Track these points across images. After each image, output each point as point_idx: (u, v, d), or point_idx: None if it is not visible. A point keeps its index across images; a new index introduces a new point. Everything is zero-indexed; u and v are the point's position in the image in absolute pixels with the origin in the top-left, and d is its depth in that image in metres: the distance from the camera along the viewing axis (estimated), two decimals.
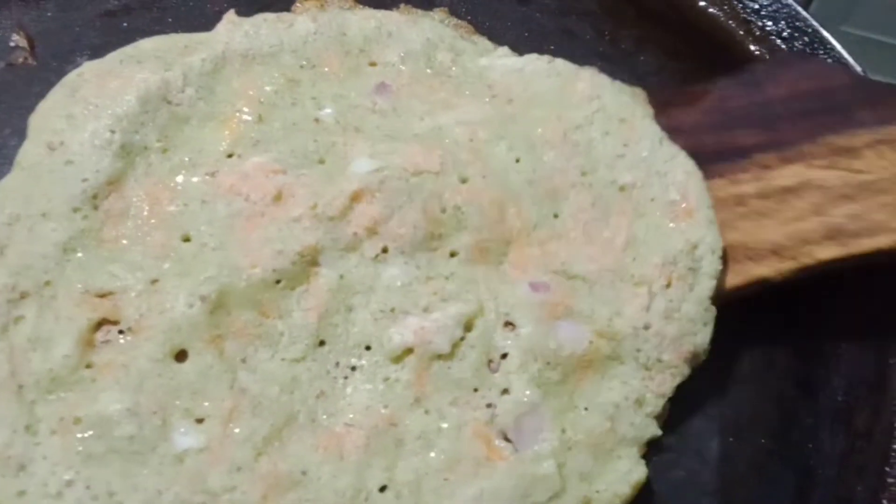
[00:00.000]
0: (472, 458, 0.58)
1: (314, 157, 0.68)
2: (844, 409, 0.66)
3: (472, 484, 0.57)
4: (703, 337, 0.63)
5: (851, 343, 0.68)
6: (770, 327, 0.69)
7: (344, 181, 0.65)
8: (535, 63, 0.74)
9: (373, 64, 0.74)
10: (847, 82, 0.69)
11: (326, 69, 0.73)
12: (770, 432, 0.65)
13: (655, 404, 0.61)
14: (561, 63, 0.73)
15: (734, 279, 0.65)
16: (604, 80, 0.72)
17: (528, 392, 0.59)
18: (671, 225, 0.65)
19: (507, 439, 0.58)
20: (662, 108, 0.71)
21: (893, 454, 0.63)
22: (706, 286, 0.64)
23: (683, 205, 0.66)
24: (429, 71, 0.74)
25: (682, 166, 0.67)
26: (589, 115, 0.70)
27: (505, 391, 0.60)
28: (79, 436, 0.56)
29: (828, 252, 0.63)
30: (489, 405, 0.59)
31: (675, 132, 0.69)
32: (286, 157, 0.67)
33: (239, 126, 0.69)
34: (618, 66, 0.78)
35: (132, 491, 0.54)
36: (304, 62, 0.73)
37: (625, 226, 0.66)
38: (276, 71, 0.72)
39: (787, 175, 0.66)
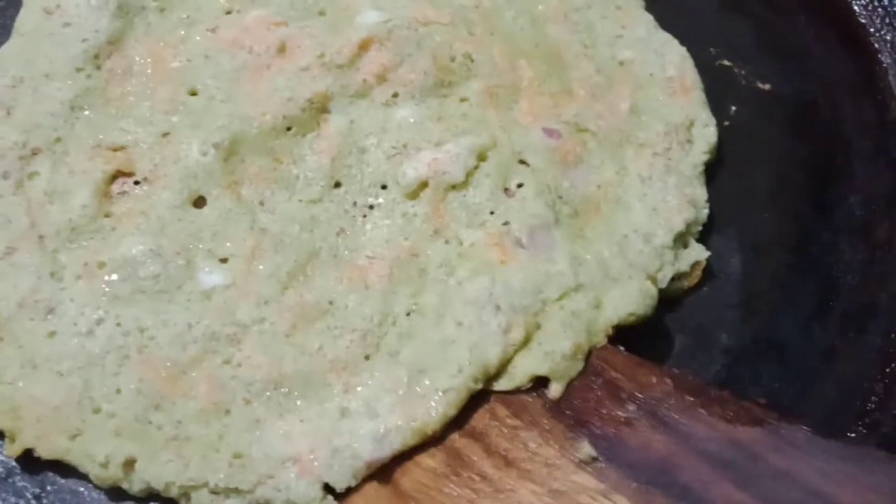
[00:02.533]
0: (486, 262, 0.58)
1: (314, 9, 0.67)
2: (862, 223, 0.66)
3: (485, 275, 0.57)
4: (700, 191, 0.64)
5: (865, 161, 0.67)
6: (784, 149, 0.68)
7: (351, 31, 0.65)
8: None
9: None
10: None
11: None
12: (790, 248, 0.65)
13: (664, 238, 0.61)
14: None
15: None
16: None
17: (543, 210, 0.59)
18: (670, 99, 0.67)
19: (521, 246, 0.59)
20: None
21: None
22: (700, 153, 0.66)
23: (680, 83, 0.68)
24: None
25: (677, 49, 0.70)
26: (588, 0, 0.71)
27: (522, 210, 0.60)
28: (105, 278, 0.56)
29: None
30: (505, 223, 0.59)
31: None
32: (286, 9, 0.67)
33: None
34: None
35: (162, 326, 0.55)
36: None
37: (627, 94, 0.67)
38: None
39: None
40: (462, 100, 0.64)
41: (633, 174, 0.64)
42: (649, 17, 0.71)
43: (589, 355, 0.57)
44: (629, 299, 0.58)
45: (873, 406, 0.59)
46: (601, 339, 0.57)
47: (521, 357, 0.56)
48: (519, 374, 0.55)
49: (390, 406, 0.53)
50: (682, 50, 0.69)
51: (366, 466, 0.52)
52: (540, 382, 0.56)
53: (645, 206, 0.63)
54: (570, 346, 0.55)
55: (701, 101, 0.68)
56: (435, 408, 0.53)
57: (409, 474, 0.53)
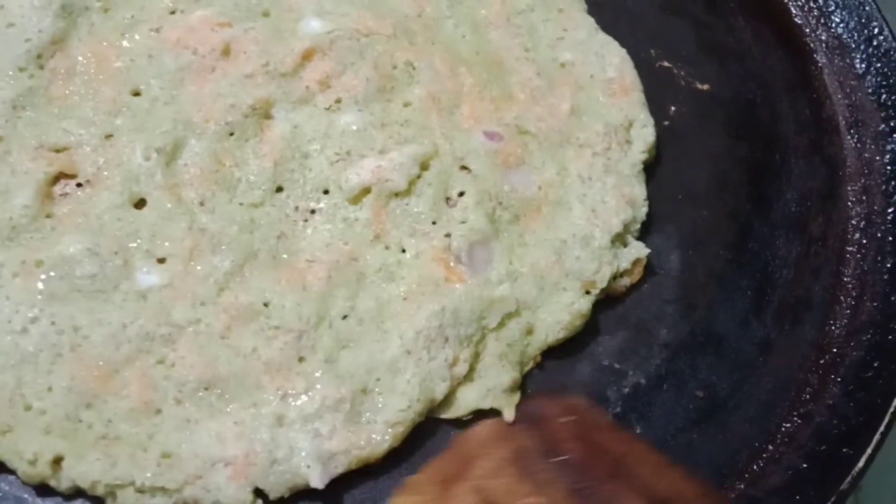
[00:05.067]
0: (431, 279, 0.59)
1: (258, 10, 0.68)
2: (798, 219, 0.67)
3: (433, 301, 0.58)
4: (639, 190, 0.65)
5: (801, 158, 0.69)
6: (722, 148, 0.69)
7: (295, 40, 0.66)
8: None
9: None
10: None
11: None
12: (727, 244, 0.65)
13: (602, 239, 0.62)
14: None
15: None
16: None
17: (482, 223, 0.61)
18: (610, 100, 0.69)
19: (461, 262, 0.60)
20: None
21: (848, 255, 0.65)
22: (638, 152, 0.67)
23: (620, 84, 0.69)
24: None
25: (617, 51, 0.71)
26: (530, 2, 0.72)
27: (463, 222, 0.61)
28: (41, 276, 0.56)
29: None
30: (447, 235, 0.61)
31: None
32: (230, 9, 0.67)
33: None
34: None
35: (97, 325, 0.55)
36: None
37: (568, 95, 0.68)
38: None
39: None
40: (405, 104, 0.65)
41: (573, 174, 0.65)
42: (590, 20, 0.72)
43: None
44: (560, 321, 0.60)
45: (808, 397, 0.60)
46: (531, 364, 0.60)
47: (464, 389, 0.58)
48: (461, 406, 0.58)
49: (333, 427, 0.54)
50: (623, 52, 0.70)
51: (304, 485, 0.53)
52: None
53: (584, 207, 0.64)
54: (509, 381, 0.58)
55: (640, 102, 0.69)
56: (381, 441, 0.55)
57: None
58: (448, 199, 0.62)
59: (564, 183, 0.65)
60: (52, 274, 0.56)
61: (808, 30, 0.72)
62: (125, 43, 0.65)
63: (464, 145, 0.64)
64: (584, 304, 0.61)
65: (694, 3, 0.74)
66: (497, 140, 0.65)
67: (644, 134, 0.68)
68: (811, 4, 0.73)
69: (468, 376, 0.58)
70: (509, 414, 0.57)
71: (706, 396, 0.60)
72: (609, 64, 0.70)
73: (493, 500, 0.51)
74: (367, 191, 0.61)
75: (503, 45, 0.70)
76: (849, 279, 0.64)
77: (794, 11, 0.73)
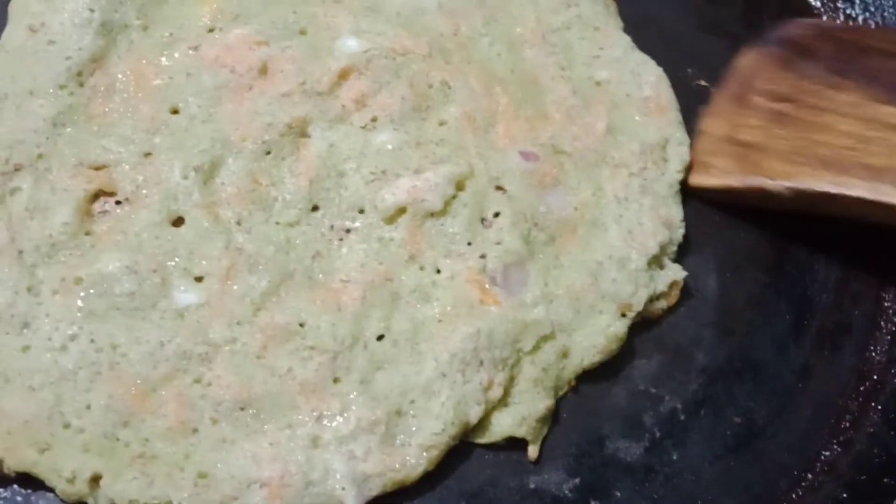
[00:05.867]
0: (466, 301, 0.59)
1: (295, 28, 0.68)
2: (837, 242, 0.65)
3: (468, 325, 0.58)
4: (676, 210, 0.65)
5: None
6: None
7: (331, 59, 0.66)
8: None
9: None
10: None
11: None
12: (765, 267, 0.65)
13: (638, 262, 0.61)
14: None
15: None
16: None
17: (518, 245, 0.60)
18: (646, 118, 0.68)
19: (496, 284, 0.59)
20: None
21: (888, 280, 0.63)
22: (674, 171, 0.66)
23: (656, 102, 0.69)
24: None
25: (653, 70, 0.70)
26: (566, 20, 0.72)
27: (498, 243, 0.61)
28: (81, 294, 0.57)
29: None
30: (482, 256, 0.60)
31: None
32: (267, 28, 0.67)
33: (217, 2, 0.68)
34: None
35: (135, 343, 0.56)
36: None
37: (604, 114, 0.68)
38: None
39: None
40: (440, 123, 0.65)
41: (609, 195, 0.65)
42: (627, 39, 0.71)
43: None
44: (596, 344, 0.59)
45: (848, 424, 0.59)
46: (566, 389, 0.59)
47: (498, 414, 0.57)
48: (495, 431, 0.57)
49: (367, 449, 0.54)
50: (659, 70, 0.70)
51: None
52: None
53: (621, 229, 0.63)
54: (543, 409, 0.57)
55: (676, 121, 0.68)
56: (416, 464, 0.55)
57: None
58: (483, 219, 0.62)
59: (600, 203, 0.64)
60: (91, 291, 0.57)
61: None
62: (164, 61, 0.66)
63: (499, 165, 0.64)
64: (621, 328, 0.60)
65: (731, 21, 0.74)
66: (533, 160, 0.65)
67: (680, 153, 0.67)
68: (849, 23, 0.72)
69: (503, 401, 0.57)
70: (534, 451, 0.57)
71: (744, 423, 0.59)
72: (645, 82, 0.69)
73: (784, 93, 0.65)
74: (402, 210, 0.61)
75: (538, 64, 0.70)
76: (889, 304, 0.63)
77: None
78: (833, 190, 0.60)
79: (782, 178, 0.62)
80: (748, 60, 0.70)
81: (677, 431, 0.59)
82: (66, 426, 0.54)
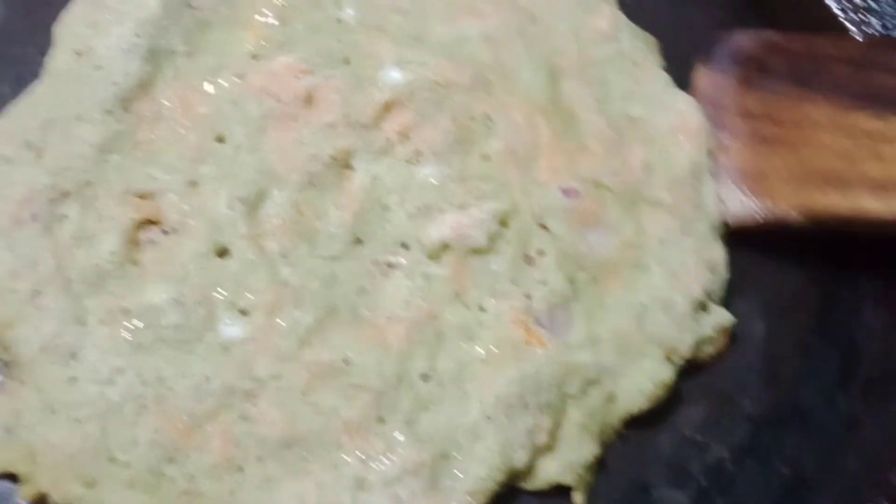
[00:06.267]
0: (511, 342, 0.58)
1: (339, 57, 0.68)
2: (885, 287, 0.65)
3: (513, 367, 0.57)
4: (719, 252, 0.64)
5: None
6: None
7: (375, 90, 0.66)
8: None
9: None
10: None
11: None
12: (812, 312, 0.64)
13: (683, 305, 0.61)
14: None
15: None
16: (621, 18, 0.72)
17: (563, 286, 0.60)
18: (676, 149, 0.67)
19: (541, 325, 0.59)
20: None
21: None
22: (712, 204, 0.65)
23: (685, 127, 0.68)
24: None
25: (684, 100, 0.69)
26: (607, 54, 0.71)
27: (544, 283, 0.60)
28: (127, 325, 0.57)
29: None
30: (527, 295, 0.60)
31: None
32: (311, 56, 0.67)
33: (262, 29, 0.68)
34: None
35: (181, 377, 0.55)
36: None
37: (639, 150, 0.67)
38: None
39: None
40: (483, 157, 0.65)
41: (650, 235, 0.64)
42: (665, 76, 0.71)
43: None
44: (643, 390, 0.58)
45: None
46: (613, 436, 0.58)
47: (544, 461, 0.56)
48: (542, 478, 0.56)
49: (412, 492, 0.53)
50: (692, 100, 0.68)
51: None
52: None
53: (664, 271, 0.62)
54: (590, 456, 0.57)
55: (706, 148, 0.66)
56: None
57: None
58: (528, 256, 0.61)
59: (642, 244, 0.63)
60: (138, 323, 0.57)
61: None
62: (209, 88, 0.66)
63: (541, 201, 0.63)
64: (668, 373, 0.59)
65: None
66: (574, 197, 0.64)
67: (713, 185, 0.65)
68: None
69: (548, 446, 0.56)
70: (579, 498, 0.56)
71: (791, 473, 0.58)
72: (675, 113, 0.68)
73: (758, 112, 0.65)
74: (446, 246, 0.61)
75: (575, 96, 0.69)
76: None
77: None
78: (851, 212, 0.60)
79: (793, 203, 0.62)
80: (708, 82, 0.69)
81: (724, 481, 0.58)
82: (112, 460, 0.54)
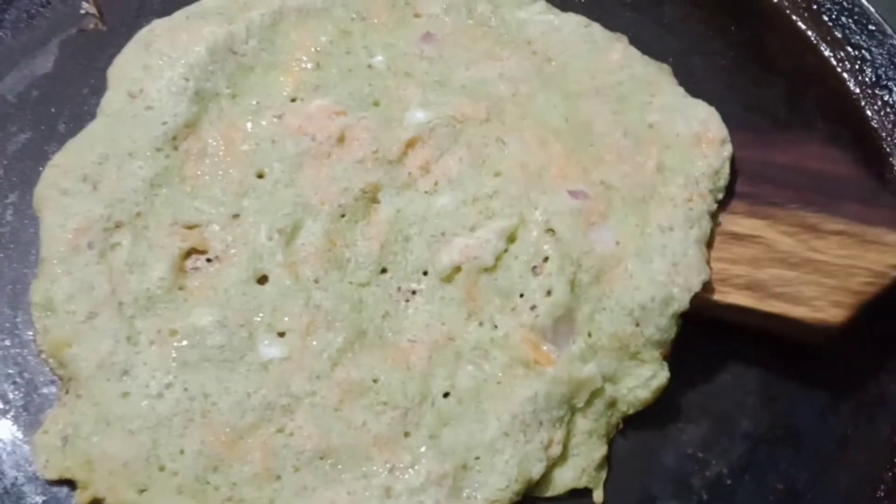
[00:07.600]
0: (521, 361, 0.63)
1: (370, 100, 0.73)
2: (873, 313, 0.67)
3: (525, 387, 0.62)
4: None
5: None
6: None
7: (401, 129, 0.70)
8: (573, 26, 0.78)
9: (417, 15, 0.79)
10: (851, 174, 0.68)
11: (375, 21, 0.78)
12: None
13: (682, 300, 0.64)
14: (597, 30, 0.78)
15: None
16: (634, 53, 0.77)
17: (565, 295, 0.64)
18: (695, 151, 0.70)
19: (546, 339, 0.63)
20: None
21: None
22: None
23: (706, 135, 0.70)
24: (470, 21, 0.79)
25: (703, 107, 0.72)
26: (621, 79, 0.75)
27: (548, 293, 0.64)
28: (175, 345, 0.62)
29: (739, 299, 0.64)
30: (533, 307, 0.64)
31: None
32: (345, 99, 0.72)
33: (299, 73, 0.74)
34: (644, 14, 0.81)
35: (225, 393, 0.61)
36: (355, 15, 0.78)
37: (654, 153, 0.70)
38: (330, 24, 0.77)
39: (746, 225, 0.67)
40: (495, 174, 0.69)
41: (653, 224, 0.66)
42: (680, 89, 0.74)
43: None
44: (639, 390, 0.63)
45: (883, 494, 0.63)
46: (614, 433, 0.64)
47: (558, 469, 0.62)
48: (557, 485, 0.62)
49: (436, 501, 0.58)
50: (710, 108, 0.72)
51: None
52: None
53: (665, 261, 0.64)
54: (599, 457, 0.62)
55: (726, 154, 0.70)
56: None
57: None
58: (534, 267, 0.65)
59: (644, 233, 0.66)
60: (185, 343, 0.62)
61: (884, 133, 0.76)
62: (251, 127, 0.71)
63: (549, 207, 0.66)
64: (663, 378, 0.63)
65: (775, 102, 0.78)
66: (581, 198, 0.67)
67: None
68: (887, 109, 0.76)
69: (562, 455, 0.61)
70: (599, 495, 0.61)
71: (786, 488, 0.63)
72: (695, 118, 0.71)
73: None
74: (458, 269, 0.65)
75: (592, 111, 0.72)
76: None
77: (869, 115, 0.77)
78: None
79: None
80: None
81: (723, 495, 0.62)
82: (162, 468, 0.59)
